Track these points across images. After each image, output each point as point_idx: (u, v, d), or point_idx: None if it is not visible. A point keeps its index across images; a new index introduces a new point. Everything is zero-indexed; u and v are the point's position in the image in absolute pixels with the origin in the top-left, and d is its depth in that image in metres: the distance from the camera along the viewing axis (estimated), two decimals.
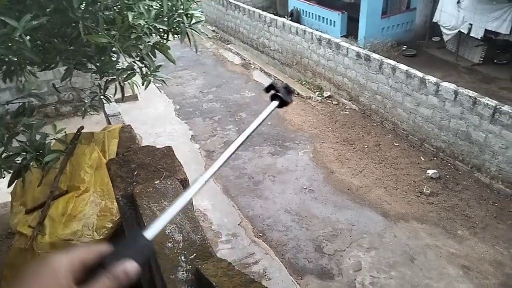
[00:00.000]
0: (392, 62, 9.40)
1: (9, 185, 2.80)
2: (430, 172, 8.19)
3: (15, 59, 3.24)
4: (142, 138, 9.42)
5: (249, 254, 6.47)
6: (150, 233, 0.93)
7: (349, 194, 7.81)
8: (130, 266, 0.80)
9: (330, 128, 9.98)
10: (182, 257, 2.37)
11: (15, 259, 3.63)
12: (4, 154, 2.57)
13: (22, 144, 2.72)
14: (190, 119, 10.62)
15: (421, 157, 8.81)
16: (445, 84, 8.30)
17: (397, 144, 9.28)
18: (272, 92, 1.37)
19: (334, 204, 7.56)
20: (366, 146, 9.22)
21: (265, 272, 6.15)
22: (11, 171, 2.61)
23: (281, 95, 1.36)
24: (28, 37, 2.98)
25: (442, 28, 12.25)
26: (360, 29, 13.59)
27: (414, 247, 6.60)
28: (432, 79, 8.53)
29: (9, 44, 2.83)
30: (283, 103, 1.39)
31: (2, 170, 2.51)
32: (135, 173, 3.14)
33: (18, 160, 2.65)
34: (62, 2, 2.85)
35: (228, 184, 8.14)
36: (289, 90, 1.39)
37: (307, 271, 6.22)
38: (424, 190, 7.77)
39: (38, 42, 3.32)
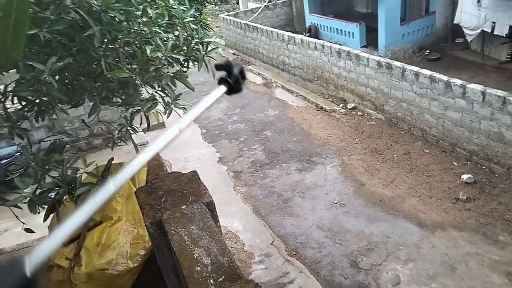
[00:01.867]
0: (415, 68, 9.27)
1: (44, 220, 2.93)
2: (465, 177, 7.93)
3: (45, 99, 3.44)
4: (172, 164, 9.62)
5: (283, 274, 6.41)
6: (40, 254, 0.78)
7: (381, 205, 7.65)
8: None
9: (357, 140, 9.88)
10: (211, 280, 2.40)
11: None
12: (38, 190, 2.71)
13: (55, 179, 2.86)
14: (217, 141, 10.77)
15: (454, 162, 8.55)
16: (471, 85, 8.10)
17: (428, 151, 9.06)
18: (223, 74, 1.29)
19: (367, 217, 7.41)
20: (395, 155, 9.05)
21: None
22: (45, 206, 2.74)
23: (230, 82, 1.29)
24: (57, 77, 3.17)
25: (464, 29, 12.01)
26: (380, 38, 13.51)
27: (454, 256, 6.36)
28: (458, 81, 8.34)
29: (38, 86, 3.01)
30: (232, 91, 1.30)
31: (37, 205, 2.63)
32: (163, 199, 3.22)
33: (51, 195, 2.77)
34: (84, 43, 3.01)
35: (257, 203, 8.15)
36: (243, 76, 1.30)
37: (344, 287, 6.10)
38: (460, 196, 7.51)
39: (66, 81, 3.51)
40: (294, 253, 6.83)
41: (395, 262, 6.38)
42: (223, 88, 1.31)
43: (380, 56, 11.24)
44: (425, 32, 13.98)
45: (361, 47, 13.94)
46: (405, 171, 8.48)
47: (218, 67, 1.35)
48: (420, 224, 7.05)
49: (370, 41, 14.08)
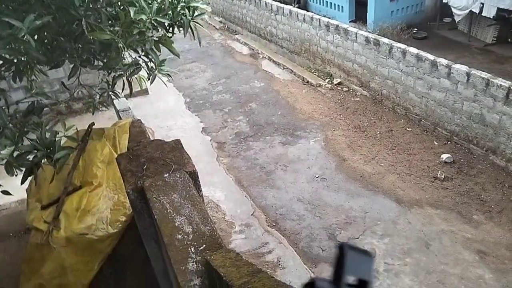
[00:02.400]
0: (402, 46, 9.25)
1: (22, 183, 2.86)
2: (444, 156, 8.08)
3: (23, 59, 3.29)
4: (154, 132, 9.49)
5: (262, 244, 6.51)
6: None
7: (362, 181, 7.77)
8: None
9: (341, 116, 9.91)
10: (192, 249, 2.40)
11: (32, 254, 3.73)
12: (16, 153, 2.62)
13: (33, 142, 2.78)
14: (201, 111, 10.66)
15: (435, 142, 8.69)
16: (457, 66, 8.14)
17: (410, 129, 9.16)
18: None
19: (347, 192, 7.53)
20: (378, 132, 9.13)
21: (279, 261, 6.18)
22: (23, 169, 2.67)
23: None
24: (36, 37, 3.02)
25: (453, 9, 11.97)
26: (369, 13, 13.36)
27: (429, 233, 6.55)
28: (444, 61, 8.37)
29: (15, 45, 2.87)
30: None
31: (14, 168, 2.56)
32: (145, 167, 3.18)
33: (29, 158, 2.70)
34: (64, 1, 2.86)
35: (240, 175, 8.17)
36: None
37: (321, 259, 6.24)
38: (438, 175, 7.67)
39: (45, 41, 3.36)
40: (274, 224, 6.92)
41: (372, 237, 6.54)
42: None
43: (368, 32, 11.14)
44: (414, 10, 13.88)
45: (349, 21, 13.78)
46: (387, 148, 8.58)
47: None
48: (398, 201, 7.21)
49: (359, 16, 13.92)
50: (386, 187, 7.54)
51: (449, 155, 8.08)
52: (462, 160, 8.08)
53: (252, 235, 6.72)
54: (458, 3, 11.64)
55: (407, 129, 9.18)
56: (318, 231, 6.70)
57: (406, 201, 7.18)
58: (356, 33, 10.28)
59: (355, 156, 8.45)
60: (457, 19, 12.16)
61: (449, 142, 8.59)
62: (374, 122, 9.53)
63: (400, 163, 8.13)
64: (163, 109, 10.75)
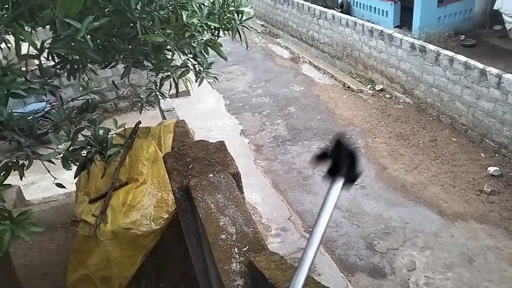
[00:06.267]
0: (450, 53, 8.95)
1: (75, 177, 3.00)
2: (491, 169, 7.73)
3: (78, 58, 3.44)
4: (195, 132, 9.67)
5: (298, 249, 6.47)
6: None
7: (402, 191, 7.57)
8: None
9: (382, 123, 9.71)
10: (236, 249, 2.42)
11: (80, 245, 3.89)
12: (71, 148, 2.75)
13: (87, 138, 2.90)
14: (240, 113, 10.75)
15: (481, 154, 8.34)
16: (508, 76, 7.79)
17: (455, 140, 8.84)
18: (328, 164, 0.97)
19: (386, 201, 7.35)
20: (421, 142, 8.87)
21: (315, 267, 6.11)
22: (77, 164, 2.80)
23: (342, 172, 0.96)
24: (89, 37, 3.16)
25: (504, 16, 11.46)
26: (415, 18, 13.02)
27: (473, 248, 6.29)
28: (494, 70, 8.03)
29: (73, 44, 3.01)
30: (350, 179, 0.97)
31: (70, 162, 2.69)
32: (190, 166, 3.25)
33: (83, 153, 2.82)
34: (120, 3, 2.98)
35: (277, 178, 8.17)
36: (352, 155, 0.96)
37: (358, 268, 6.13)
38: (485, 188, 7.35)
39: (98, 41, 3.51)
40: (310, 229, 6.86)
41: (412, 248, 6.35)
42: (339, 184, 0.99)
43: (414, 38, 10.86)
44: (462, 16, 13.39)
45: (394, 27, 13.48)
46: (430, 158, 8.32)
47: (320, 157, 0.99)
48: (441, 213, 6.96)
49: (404, 21, 13.59)
50: (428, 198, 7.31)
51: (497, 168, 7.73)
52: (510, 174, 7.70)
53: (288, 239, 6.69)
54: (511, 10, 11.14)
55: (452, 139, 8.86)
56: (355, 240, 6.58)
57: (450, 214, 6.93)
58: (401, 39, 10.06)
59: (396, 164, 8.25)
60: (508, 26, 11.63)
61: (496, 155, 8.22)
62: (417, 130, 9.26)
63: (444, 174, 7.85)
64: (203, 110, 10.94)
